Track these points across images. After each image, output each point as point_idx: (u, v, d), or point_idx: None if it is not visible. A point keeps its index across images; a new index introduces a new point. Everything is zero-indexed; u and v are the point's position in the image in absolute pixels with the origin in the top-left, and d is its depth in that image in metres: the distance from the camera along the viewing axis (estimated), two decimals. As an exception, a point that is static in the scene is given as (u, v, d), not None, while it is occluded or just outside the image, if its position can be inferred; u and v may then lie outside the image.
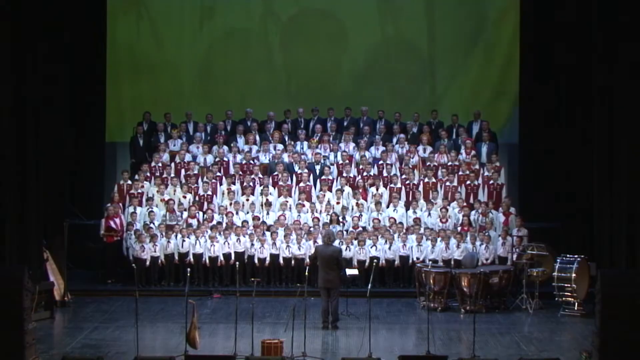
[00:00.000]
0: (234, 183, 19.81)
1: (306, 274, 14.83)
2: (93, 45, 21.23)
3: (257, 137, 21.08)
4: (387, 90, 22.14)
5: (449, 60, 22.20)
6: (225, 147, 20.67)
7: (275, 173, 20.00)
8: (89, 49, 21.10)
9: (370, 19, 22.29)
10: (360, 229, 18.82)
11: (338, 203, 19.30)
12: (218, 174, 19.97)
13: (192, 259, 18.48)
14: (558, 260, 17.16)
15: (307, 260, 18.04)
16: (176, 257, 18.57)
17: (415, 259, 18.31)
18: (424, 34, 22.24)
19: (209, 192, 19.62)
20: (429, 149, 20.71)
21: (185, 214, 19.14)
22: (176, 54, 22.20)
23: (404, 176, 19.90)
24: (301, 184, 19.75)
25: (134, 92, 22.10)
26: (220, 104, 21.90)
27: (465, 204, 19.17)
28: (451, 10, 22.17)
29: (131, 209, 19.09)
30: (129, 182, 19.72)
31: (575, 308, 16.84)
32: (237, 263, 16.06)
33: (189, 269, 15.33)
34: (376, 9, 22.33)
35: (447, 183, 19.76)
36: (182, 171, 20.16)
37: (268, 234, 18.61)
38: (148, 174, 19.95)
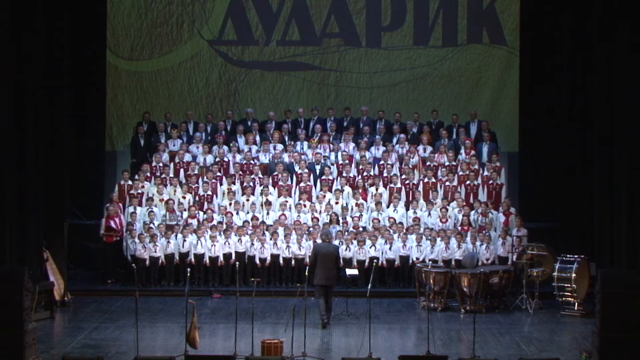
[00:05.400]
0: (234, 183, 19.80)
1: (306, 274, 14.85)
2: (94, 45, 21.23)
3: (257, 137, 21.08)
4: (386, 90, 22.17)
5: (449, 61, 22.18)
6: (225, 147, 20.65)
7: (275, 173, 19.98)
8: (90, 50, 21.09)
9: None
10: (360, 229, 18.82)
11: (338, 203, 19.29)
12: (218, 174, 19.95)
13: (193, 259, 18.49)
14: (558, 260, 17.16)
15: (307, 260, 18.06)
16: (177, 257, 18.58)
17: (415, 259, 18.31)
18: (424, 35, 22.25)
19: (209, 192, 19.60)
20: (429, 149, 20.70)
21: (185, 214, 19.14)
22: (176, 55, 22.18)
23: (403, 176, 19.88)
24: (301, 184, 19.74)
25: (134, 95, 22.04)
26: (220, 104, 21.89)
27: (465, 203, 19.18)
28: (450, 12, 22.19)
29: (131, 209, 19.07)
30: (129, 182, 19.71)
31: (575, 308, 16.83)
32: (237, 263, 16.08)
33: (189, 269, 15.31)
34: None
35: (447, 183, 19.75)
36: (182, 171, 20.15)
37: (268, 234, 18.62)
38: (148, 174, 19.93)
